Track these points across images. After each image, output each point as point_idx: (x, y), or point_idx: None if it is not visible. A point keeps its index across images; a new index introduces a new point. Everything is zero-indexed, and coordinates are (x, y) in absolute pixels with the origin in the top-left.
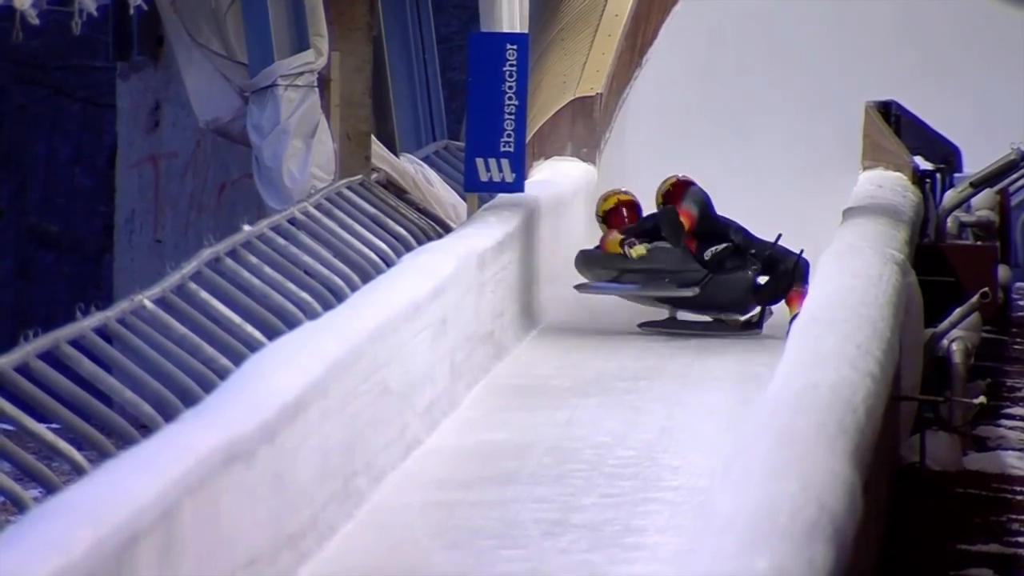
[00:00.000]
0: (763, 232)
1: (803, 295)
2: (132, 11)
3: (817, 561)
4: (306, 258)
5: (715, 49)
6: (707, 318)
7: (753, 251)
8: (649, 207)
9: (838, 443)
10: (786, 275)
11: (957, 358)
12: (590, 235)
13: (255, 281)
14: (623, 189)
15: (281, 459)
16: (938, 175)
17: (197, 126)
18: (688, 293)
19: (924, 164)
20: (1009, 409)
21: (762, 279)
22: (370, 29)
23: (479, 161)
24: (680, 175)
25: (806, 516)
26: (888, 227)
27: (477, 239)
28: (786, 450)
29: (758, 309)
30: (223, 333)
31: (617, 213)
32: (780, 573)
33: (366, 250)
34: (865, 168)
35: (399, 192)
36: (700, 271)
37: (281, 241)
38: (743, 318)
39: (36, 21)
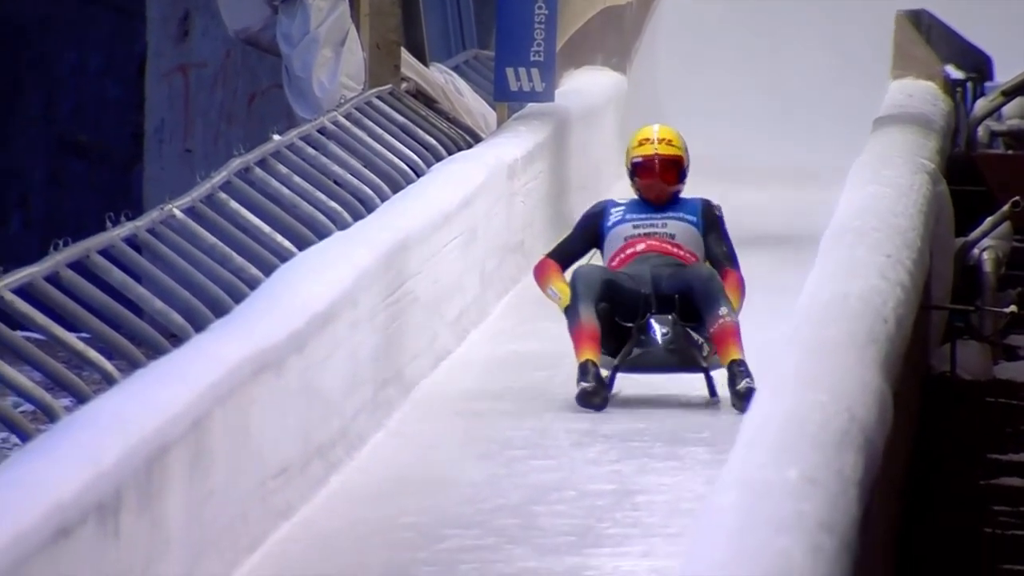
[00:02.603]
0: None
1: (730, 331)
2: None
3: (847, 471)
4: (336, 168)
5: None
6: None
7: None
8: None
9: (868, 352)
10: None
11: (988, 267)
12: (620, 147)
13: (285, 191)
14: (662, 130)
15: (311, 369)
16: (969, 84)
17: (227, 36)
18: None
19: (955, 73)
20: None
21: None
22: None
23: (509, 71)
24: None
25: (836, 426)
26: (919, 136)
27: (507, 149)
28: (816, 360)
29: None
30: (253, 243)
31: (649, 169)
32: (810, 482)
33: (396, 160)
34: (895, 77)
35: (429, 102)
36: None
37: (311, 151)
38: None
39: None
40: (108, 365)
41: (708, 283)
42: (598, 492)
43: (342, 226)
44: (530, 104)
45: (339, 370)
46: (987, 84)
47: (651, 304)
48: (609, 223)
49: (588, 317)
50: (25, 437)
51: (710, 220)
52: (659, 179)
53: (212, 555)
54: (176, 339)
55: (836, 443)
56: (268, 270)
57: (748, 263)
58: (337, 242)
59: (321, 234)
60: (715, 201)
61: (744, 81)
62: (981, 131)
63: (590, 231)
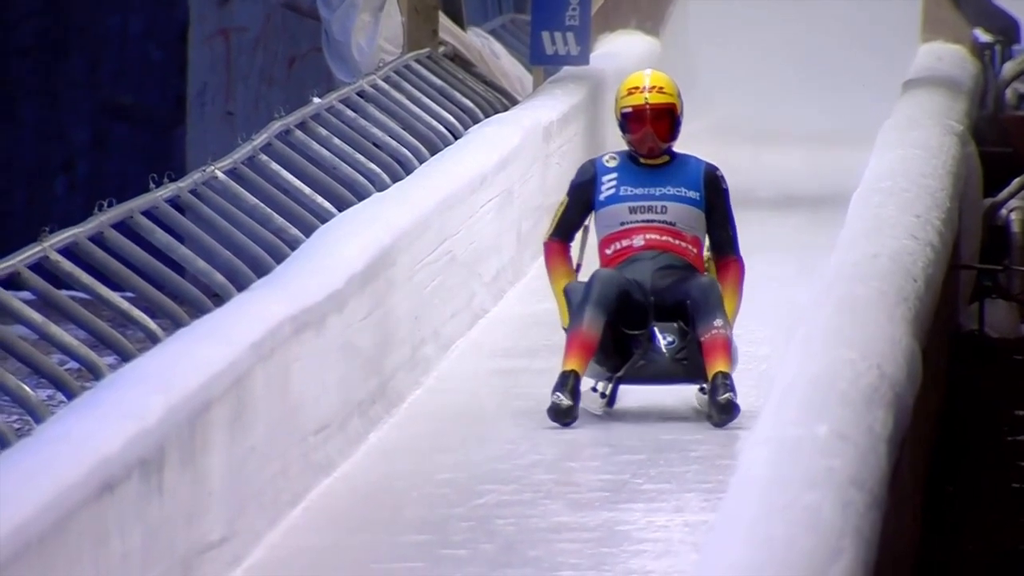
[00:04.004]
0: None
1: (720, 343)
2: None
3: (877, 427)
4: (375, 130)
5: None
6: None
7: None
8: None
9: (898, 311)
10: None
11: (1016, 227)
12: None
13: (325, 152)
14: (654, 76)
15: (350, 328)
16: (997, 47)
17: (267, 0)
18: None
19: (983, 36)
20: None
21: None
22: None
23: (545, 34)
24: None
25: (866, 383)
26: (948, 99)
27: (543, 111)
28: (847, 318)
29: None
30: (293, 204)
31: (640, 119)
32: (841, 439)
33: (434, 122)
34: (925, 41)
35: (466, 65)
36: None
37: (350, 113)
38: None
39: None
40: (152, 324)
41: (707, 292)
42: (632, 448)
43: (381, 187)
44: (565, 67)
45: (378, 329)
46: (1015, 47)
47: (652, 313)
48: (602, 196)
49: (591, 326)
50: (70, 394)
51: (713, 195)
52: (651, 131)
53: (254, 510)
54: (218, 298)
55: (866, 400)
56: (308, 230)
57: (780, 223)
58: (376, 203)
59: (360, 195)
60: (719, 170)
61: (775, 45)
62: (1009, 93)
63: (584, 201)
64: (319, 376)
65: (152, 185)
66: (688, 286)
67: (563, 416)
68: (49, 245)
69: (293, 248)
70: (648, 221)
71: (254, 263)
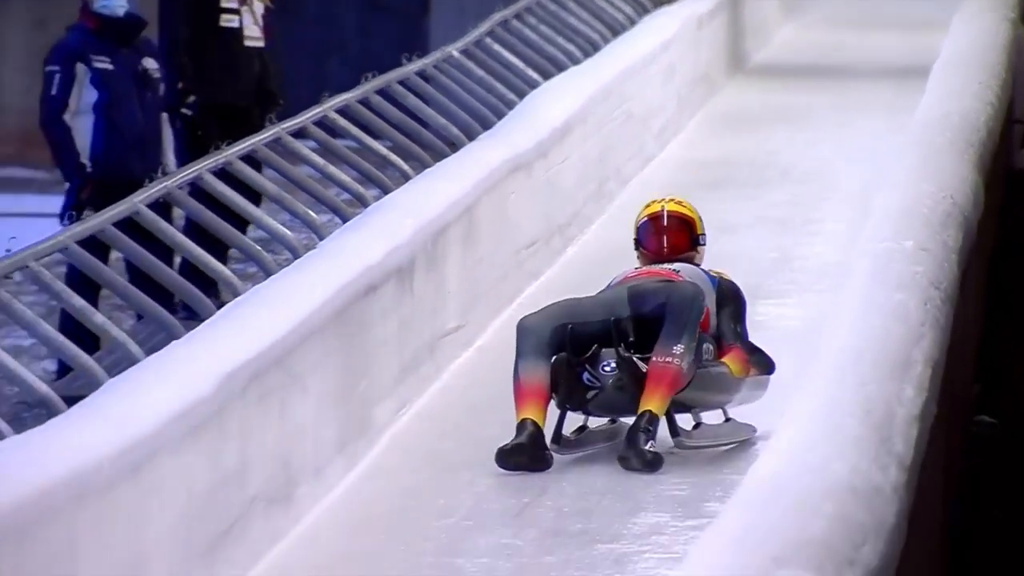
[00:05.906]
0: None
1: (667, 377)
2: None
3: (950, 242)
4: (572, 19)
5: None
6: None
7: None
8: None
9: (966, 155)
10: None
11: None
12: (778, 5)
13: (534, 37)
14: (671, 197)
15: (552, 169)
16: None
17: None
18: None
19: None
20: None
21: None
22: None
23: None
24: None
25: (942, 208)
26: None
27: (696, 5)
28: (927, 160)
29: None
30: (510, 75)
31: (655, 233)
32: (923, 250)
33: (616, 13)
34: None
35: None
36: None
37: (553, 7)
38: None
39: None
40: (404, 165)
41: (686, 304)
42: (762, 258)
43: (576, 63)
44: None
45: (573, 169)
46: None
47: (626, 331)
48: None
49: (529, 373)
50: (344, 217)
51: (728, 295)
52: (667, 240)
53: (481, 306)
54: (454, 147)
55: (941, 221)
56: (521, 95)
57: (877, 89)
58: (573, 75)
59: (561, 67)
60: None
61: None
62: None
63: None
64: (529, 205)
65: (404, 61)
66: (670, 289)
67: (511, 456)
68: (328, 106)
69: (510, 108)
70: (651, 267)
71: (480, 119)
